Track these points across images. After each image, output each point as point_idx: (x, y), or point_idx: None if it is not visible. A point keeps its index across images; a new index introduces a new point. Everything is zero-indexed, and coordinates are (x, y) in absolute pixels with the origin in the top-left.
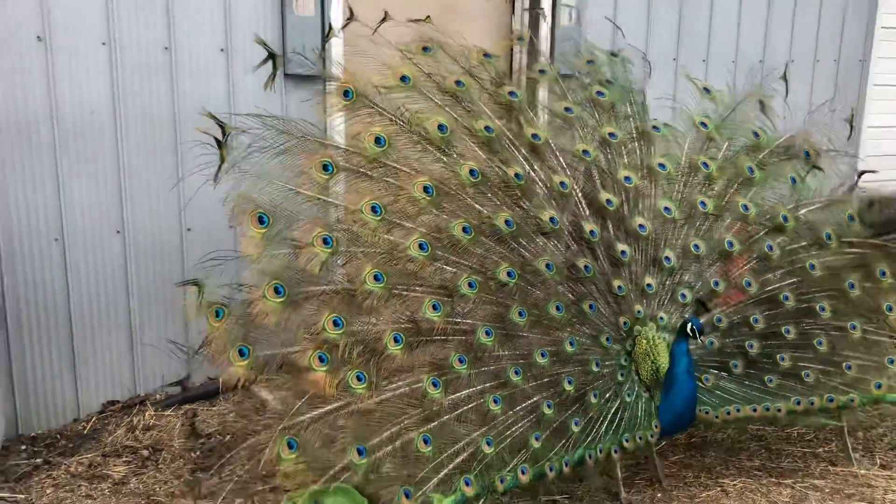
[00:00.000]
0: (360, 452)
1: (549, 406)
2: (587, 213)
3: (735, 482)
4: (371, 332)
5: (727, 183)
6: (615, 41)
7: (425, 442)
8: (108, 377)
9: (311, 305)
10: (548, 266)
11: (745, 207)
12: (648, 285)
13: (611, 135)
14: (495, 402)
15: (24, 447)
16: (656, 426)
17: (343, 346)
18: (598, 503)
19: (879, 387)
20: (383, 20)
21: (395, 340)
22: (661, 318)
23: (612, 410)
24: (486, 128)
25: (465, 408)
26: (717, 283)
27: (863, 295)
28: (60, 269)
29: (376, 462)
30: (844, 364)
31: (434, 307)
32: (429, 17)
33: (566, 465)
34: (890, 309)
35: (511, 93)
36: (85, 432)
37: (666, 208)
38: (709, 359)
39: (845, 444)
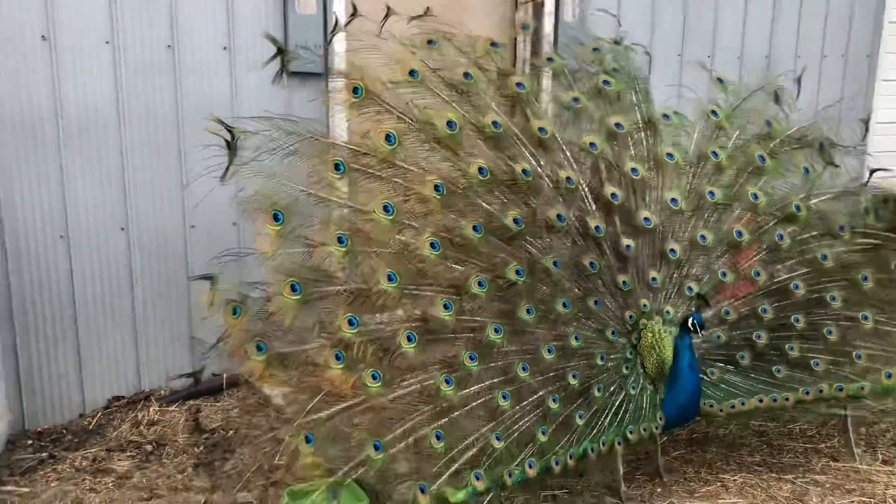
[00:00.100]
0: (376, 448)
1: (554, 400)
2: (593, 208)
3: (735, 477)
4: (385, 330)
5: (737, 172)
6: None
7: (438, 438)
8: (112, 373)
9: (325, 303)
10: (555, 264)
11: (755, 196)
12: (654, 279)
13: (617, 125)
14: (504, 397)
15: (30, 442)
16: (661, 419)
17: (358, 345)
18: (597, 498)
19: (890, 376)
20: (386, 16)
21: (409, 339)
22: (668, 311)
23: (617, 403)
24: (494, 123)
25: (475, 403)
26: (724, 275)
27: (876, 287)
28: (65, 265)
29: (392, 458)
30: (854, 353)
31: (445, 306)
32: (429, 8)
33: (571, 457)
34: None
35: (518, 84)
36: (90, 427)
37: (673, 199)
38: (715, 352)
39: (848, 437)
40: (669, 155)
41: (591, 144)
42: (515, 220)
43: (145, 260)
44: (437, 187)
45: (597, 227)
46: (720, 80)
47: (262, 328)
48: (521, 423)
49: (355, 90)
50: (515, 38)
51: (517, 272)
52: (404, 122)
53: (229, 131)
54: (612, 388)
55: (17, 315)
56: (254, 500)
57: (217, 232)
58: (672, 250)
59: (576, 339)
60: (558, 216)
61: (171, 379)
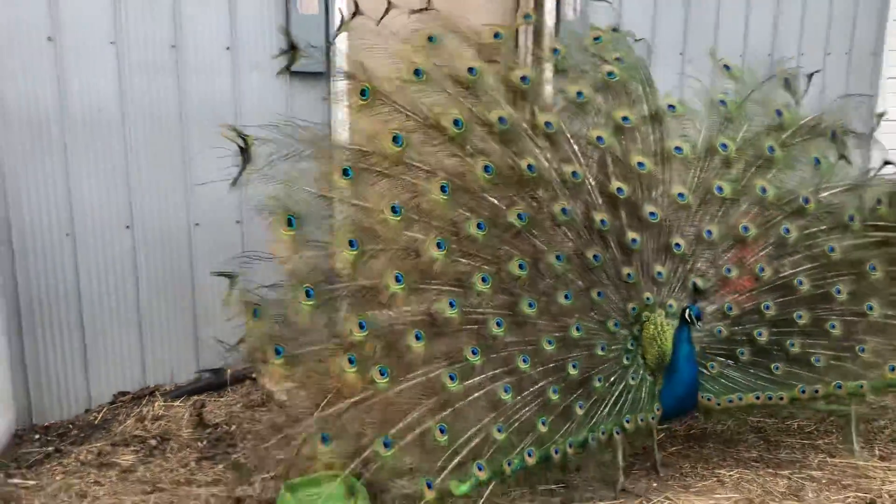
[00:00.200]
0: (385, 445)
1: (554, 391)
2: (599, 202)
3: (732, 473)
4: (392, 328)
5: (745, 165)
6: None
7: (441, 431)
8: (118, 369)
9: (337, 305)
10: (558, 257)
11: (764, 190)
12: (659, 273)
13: (624, 119)
14: (506, 390)
15: (37, 436)
16: (658, 409)
17: (369, 347)
18: (593, 492)
19: (893, 370)
20: (387, 10)
21: (417, 338)
22: (671, 305)
23: (616, 393)
24: (501, 119)
25: (477, 395)
26: (729, 270)
27: (884, 277)
28: (71, 263)
29: (400, 452)
30: (858, 347)
31: (451, 304)
32: (430, 1)
33: (570, 446)
34: None
35: (523, 78)
36: (96, 422)
37: (680, 195)
38: (716, 346)
39: (850, 432)
40: (678, 149)
41: (599, 139)
42: (519, 216)
43: (150, 258)
44: (443, 188)
45: (602, 221)
46: (727, 68)
47: (279, 330)
48: (521, 414)
49: (363, 93)
50: (517, 31)
51: (520, 266)
52: (412, 122)
53: (243, 139)
54: (612, 379)
55: (24, 312)
56: (254, 493)
57: (221, 230)
58: (677, 245)
59: (577, 329)
60: (563, 210)
61: (199, 371)
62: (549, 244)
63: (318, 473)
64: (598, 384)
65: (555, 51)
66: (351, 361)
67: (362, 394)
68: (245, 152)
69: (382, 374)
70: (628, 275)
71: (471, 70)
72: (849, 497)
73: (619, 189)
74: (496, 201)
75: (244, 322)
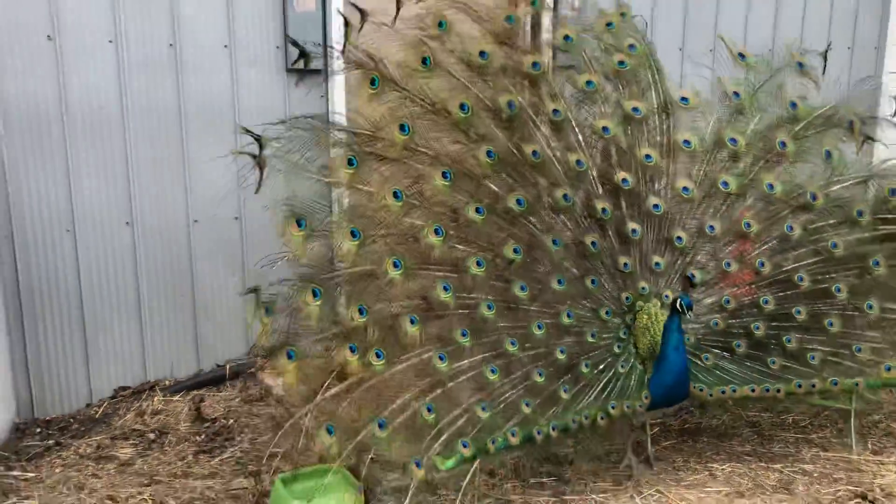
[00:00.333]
0: (380, 426)
1: (540, 374)
2: (601, 191)
3: (724, 466)
4: (390, 313)
5: (754, 159)
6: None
7: (429, 410)
8: (119, 364)
9: (338, 292)
10: (554, 242)
11: (771, 186)
12: (657, 264)
13: (635, 110)
14: (493, 371)
15: (38, 429)
16: (646, 397)
17: (368, 331)
18: (584, 485)
19: (889, 369)
20: (398, 10)
21: (412, 322)
22: (666, 296)
23: (605, 380)
24: (510, 103)
25: (464, 378)
26: (728, 265)
27: (888, 273)
28: (72, 259)
29: (394, 433)
30: (854, 346)
31: (445, 288)
32: None
33: (553, 429)
34: None
35: (534, 64)
36: (97, 417)
37: (685, 188)
38: (711, 338)
39: (849, 427)
40: (686, 142)
41: (604, 129)
42: (518, 201)
43: (150, 254)
44: (444, 174)
45: (603, 210)
46: (742, 56)
47: (290, 326)
48: (507, 395)
49: (373, 81)
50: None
51: (515, 251)
52: (419, 108)
53: (257, 140)
54: (601, 366)
55: (25, 308)
56: (249, 486)
57: (220, 226)
58: (679, 238)
59: (568, 316)
60: (564, 196)
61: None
62: (546, 230)
63: (313, 467)
64: (585, 370)
65: (566, 37)
66: (352, 350)
67: (359, 377)
68: (259, 155)
69: (378, 357)
70: (625, 264)
71: (482, 54)
72: (839, 491)
73: (623, 180)
74: (496, 188)
75: (259, 320)
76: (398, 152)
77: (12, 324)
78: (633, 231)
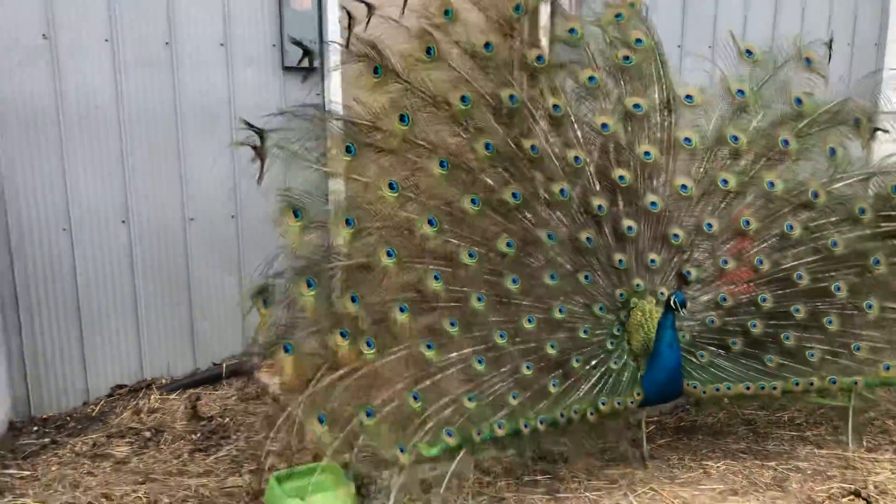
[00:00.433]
0: (368, 415)
1: (528, 368)
2: (598, 187)
3: (719, 464)
4: (382, 303)
5: (756, 157)
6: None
7: (415, 398)
8: (115, 362)
9: (333, 283)
10: (549, 236)
11: (772, 184)
12: (653, 261)
13: (636, 106)
14: (479, 362)
15: (35, 428)
16: (639, 394)
17: (360, 319)
18: (578, 483)
19: (888, 368)
20: (405, 3)
21: (401, 310)
22: (662, 293)
23: (597, 376)
24: (511, 97)
25: (454, 369)
26: (726, 262)
27: (889, 271)
28: (69, 258)
29: (381, 422)
30: (853, 345)
31: (435, 277)
32: None
33: (541, 423)
34: None
35: (539, 58)
36: (93, 415)
37: (683, 186)
38: (707, 335)
39: (846, 425)
40: (687, 140)
41: (604, 125)
42: (514, 195)
43: (146, 252)
44: (442, 164)
45: (599, 207)
46: (749, 53)
47: (285, 319)
48: (495, 387)
49: (376, 70)
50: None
51: (508, 245)
52: (419, 99)
53: (258, 133)
54: (593, 361)
55: (22, 307)
56: (243, 484)
57: (216, 224)
58: (675, 235)
59: (560, 311)
60: (561, 191)
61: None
62: (540, 225)
63: (307, 465)
64: (576, 365)
65: (571, 30)
66: (343, 335)
67: (350, 367)
68: (261, 148)
69: (369, 346)
70: (620, 261)
71: (487, 45)
72: (832, 488)
73: (621, 177)
74: (492, 181)
75: (257, 312)
76: (397, 143)
77: (9, 322)
78: (629, 228)
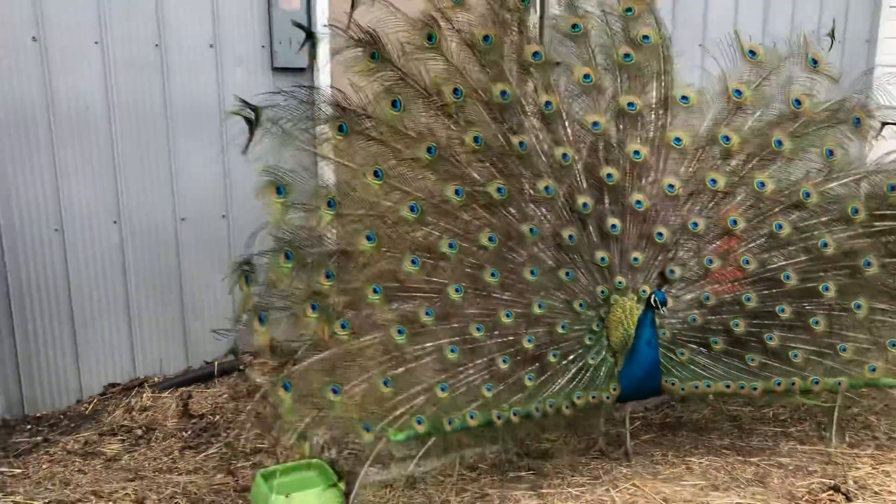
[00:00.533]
0: (334, 391)
1: (504, 361)
2: (584, 185)
3: (701, 460)
4: (358, 288)
5: (748, 157)
6: None
7: (385, 384)
8: (108, 361)
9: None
10: (531, 231)
11: (762, 184)
12: (635, 259)
13: (630, 105)
14: (452, 351)
15: (28, 426)
16: (615, 389)
17: (332, 297)
18: (562, 479)
19: (873, 370)
20: None
21: (375, 291)
22: (644, 291)
23: (574, 370)
24: (503, 92)
25: (429, 359)
26: (710, 261)
27: (879, 272)
28: (61, 258)
29: (348, 400)
30: (839, 346)
31: (413, 262)
32: None
33: (515, 415)
34: None
35: (535, 54)
36: (86, 413)
37: (670, 186)
38: (688, 333)
39: (830, 423)
40: (677, 140)
41: (594, 124)
42: (499, 189)
43: (138, 252)
44: (429, 149)
45: (584, 204)
46: (752, 53)
47: (264, 295)
48: (470, 379)
49: (373, 56)
50: None
51: (490, 239)
52: (412, 91)
53: (253, 111)
54: (570, 356)
55: (15, 307)
56: (231, 481)
57: (207, 224)
58: (660, 234)
59: (539, 306)
60: (546, 188)
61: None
62: (524, 220)
63: (293, 462)
64: (553, 359)
65: (574, 26)
66: (313, 307)
67: (327, 351)
68: (255, 123)
69: (344, 327)
70: (602, 258)
71: (486, 38)
72: (813, 483)
73: (608, 175)
74: (478, 175)
75: (239, 290)
76: (388, 132)
77: (2, 322)
78: (613, 226)
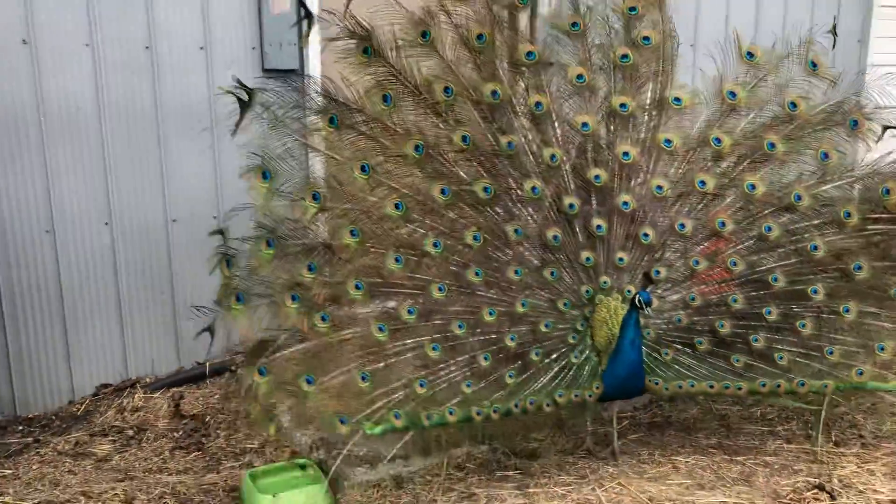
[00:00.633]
0: (308, 381)
1: (486, 359)
2: (572, 186)
3: (688, 459)
4: (340, 283)
5: (738, 159)
6: None
7: (363, 379)
8: (100, 362)
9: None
10: (517, 231)
11: (752, 187)
12: (621, 259)
13: (622, 106)
14: (434, 349)
15: (20, 427)
16: (598, 388)
17: (313, 289)
18: (549, 478)
19: (861, 374)
20: None
21: (357, 287)
22: (629, 291)
23: (556, 369)
24: (493, 92)
25: (410, 354)
26: (697, 262)
27: (869, 276)
28: (52, 259)
29: (322, 391)
30: (826, 349)
31: (396, 260)
32: None
33: (495, 412)
34: None
35: (529, 53)
36: (78, 414)
37: (658, 187)
38: (673, 333)
39: (818, 423)
40: (667, 141)
41: (584, 125)
42: (485, 189)
43: (129, 253)
44: (417, 147)
45: (570, 205)
46: (750, 55)
47: (244, 277)
48: (451, 375)
49: (365, 50)
50: None
51: (475, 237)
52: (402, 87)
53: (248, 92)
54: (553, 355)
55: (6, 308)
56: (220, 481)
57: (198, 225)
58: (645, 234)
59: (523, 305)
60: (533, 188)
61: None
62: (509, 219)
63: (281, 462)
64: (535, 357)
65: (574, 24)
66: (294, 298)
67: (308, 343)
68: (248, 103)
69: (324, 320)
70: (587, 258)
71: (479, 37)
72: (798, 482)
73: (596, 177)
74: (465, 174)
75: (220, 272)
76: (377, 125)
77: None
78: (598, 227)
